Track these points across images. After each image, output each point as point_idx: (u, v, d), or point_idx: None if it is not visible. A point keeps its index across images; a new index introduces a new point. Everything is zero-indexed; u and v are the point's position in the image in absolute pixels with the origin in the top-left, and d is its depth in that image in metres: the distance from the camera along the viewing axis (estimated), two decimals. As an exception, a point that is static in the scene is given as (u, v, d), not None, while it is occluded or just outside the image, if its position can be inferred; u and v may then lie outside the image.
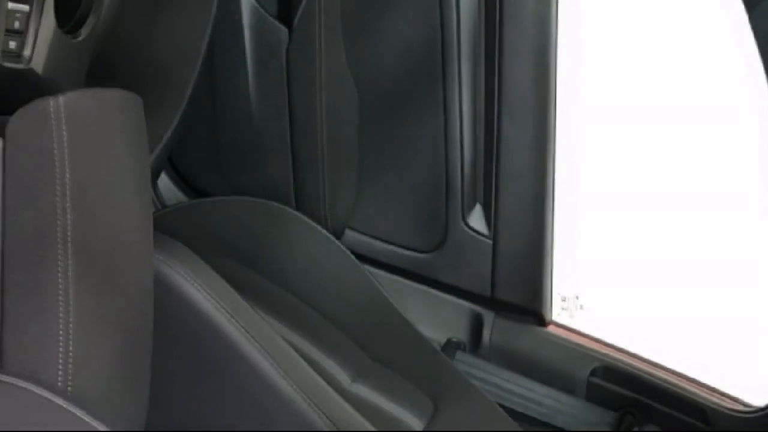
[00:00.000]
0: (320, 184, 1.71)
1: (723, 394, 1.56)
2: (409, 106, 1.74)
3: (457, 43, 1.68)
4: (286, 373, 1.19)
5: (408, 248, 1.76)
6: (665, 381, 1.58)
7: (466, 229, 1.72)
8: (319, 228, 1.64)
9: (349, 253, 1.65)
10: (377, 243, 1.77)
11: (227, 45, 1.70)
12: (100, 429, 0.94)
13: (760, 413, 1.48)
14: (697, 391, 1.56)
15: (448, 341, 1.70)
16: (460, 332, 1.72)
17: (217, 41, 1.65)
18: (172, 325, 1.20)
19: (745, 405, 1.53)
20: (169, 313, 1.19)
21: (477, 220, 1.72)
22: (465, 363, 1.66)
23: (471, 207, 1.72)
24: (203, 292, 1.20)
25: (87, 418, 0.95)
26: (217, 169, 1.78)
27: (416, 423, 1.41)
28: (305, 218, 1.64)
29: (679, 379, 1.59)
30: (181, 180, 1.85)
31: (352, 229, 1.77)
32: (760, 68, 1.33)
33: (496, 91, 1.67)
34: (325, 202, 1.71)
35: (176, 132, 1.57)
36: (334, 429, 1.19)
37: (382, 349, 1.56)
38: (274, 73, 1.72)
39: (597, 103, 1.94)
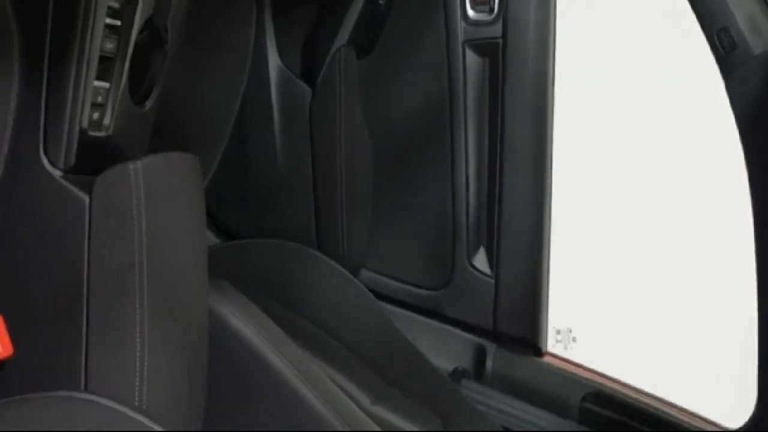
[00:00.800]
0: (339, 228, 1.91)
1: (703, 418, 1.76)
2: (420, 158, 1.95)
3: (464, 102, 1.89)
4: (324, 398, 1.39)
5: (418, 286, 1.96)
6: (650, 406, 1.77)
7: (470, 269, 1.92)
8: (340, 267, 1.84)
9: (365, 289, 1.85)
10: (390, 281, 1.97)
11: (257, 102, 1.91)
12: None
13: (728, 433, 1.68)
14: (679, 416, 1.76)
15: (455, 370, 1.90)
16: (465, 362, 1.92)
17: (247, 99, 1.86)
18: (221, 354, 1.40)
19: (722, 428, 1.73)
20: (220, 344, 1.39)
21: (481, 260, 1.92)
22: (470, 389, 1.85)
23: (476, 249, 1.92)
24: (249, 326, 1.40)
25: (157, 428, 1.14)
26: (245, 213, 1.98)
27: (429, 438, 1.61)
28: (327, 258, 1.84)
29: (663, 404, 1.78)
30: (212, 222, 2.04)
31: (367, 268, 1.97)
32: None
33: (498, 145, 1.88)
34: (344, 244, 1.91)
35: (213, 180, 1.78)
36: None
37: (396, 375, 1.75)
38: (298, 128, 1.92)
39: (591, 155, 2.16)
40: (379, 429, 1.45)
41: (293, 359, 1.41)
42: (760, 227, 1.60)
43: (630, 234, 2.16)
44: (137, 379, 1.19)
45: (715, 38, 1.61)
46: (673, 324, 2.09)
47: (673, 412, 1.77)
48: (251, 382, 1.41)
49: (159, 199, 1.24)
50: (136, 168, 1.21)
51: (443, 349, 1.91)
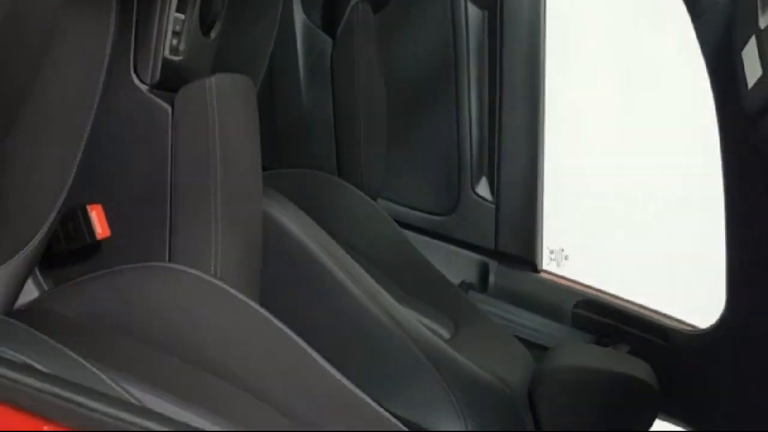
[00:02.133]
0: (358, 160, 2.19)
1: (679, 320, 2.05)
2: (428, 99, 2.23)
3: (466, 50, 2.17)
4: (364, 288, 1.68)
5: (428, 212, 2.24)
6: (633, 310, 2.06)
7: (474, 196, 2.20)
8: (361, 193, 2.12)
9: (385, 213, 2.13)
10: (403, 208, 2.25)
11: (284, 51, 2.18)
12: (239, 296, 1.40)
13: (704, 332, 1.96)
14: (659, 318, 2.04)
15: (462, 282, 2.18)
16: (471, 277, 2.20)
17: (276, 47, 2.14)
18: (272, 245, 1.67)
19: (694, 327, 2.02)
20: (270, 237, 1.67)
21: (483, 188, 2.20)
22: (475, 299, 2.14)
23: (478, 178, 2.20)
24: (295, 222, 1.68)
25: (232, 291, 1.42)
26: (274, 147, 2.24)
27: (445, 333, 1.89)
28: (350, 185, 2.12)
29: (644, 308, 2.07)
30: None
31: (383, 197, 2.25)
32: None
33: (497, 86, 2.17)
34: (362, 174, 2.19)
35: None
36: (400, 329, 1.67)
37: (413, 286, 2.03)
38: (321, 74, 2.20)
39: (578, 99, 2.45)
40: (410, 317, 1.73)
41: (335, 254, 1.69)
42: (727, 154, 1.86)
43: (614, 163, 2.45)
44: (213, 253, 1.47)
45: (686, -15, 1.88)
46: (652, 242, 2.38)
47: (654, 315, 2.06)
48: (299, 270, 1.69)
49: (227, 110, 1.51)
50: (211, 83, 1.49)
51: (451, 266, 2.19)
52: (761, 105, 1.61)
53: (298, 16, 2.19)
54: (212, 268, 1.45)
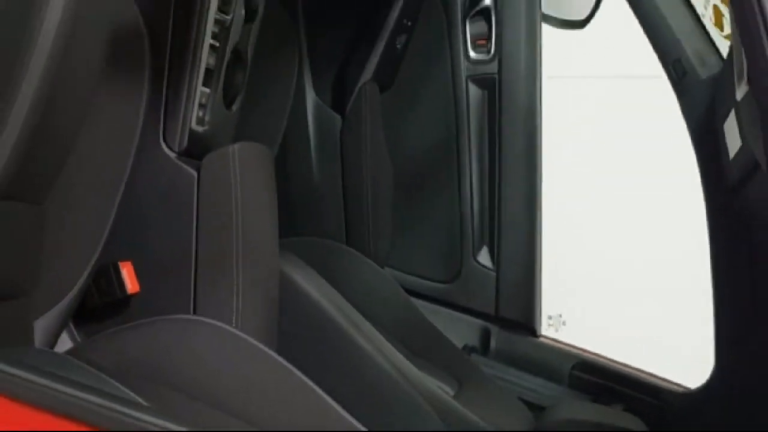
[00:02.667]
0: (366, 231, 2.32)
1: (670, 381, 2.16)
2: (432, 174, 2.37)
3: (468, 127, 2.33)
4: (374, 344, 1.79)
5: (432, 280, 2.37)
6: (627, 371, 2.17)
7: (476, 264, 2.33)
8: (369, 260, 2.25)
9: (392, 279, 2.26)
10: (409, 276, 2.37)
11: (296, 127, 2.33)
12: (258, 345, 1.51)
13: (694, 391, 2.07)
14: (651, 379, 2.15)
15: (465, 346, 2.29)
16: (474, 341, 2.32)
17: (290, 123, 2.29)
18: (287, 302, 1.79)
19: (685, 387, 2.12)
20: (286, 295, 1.79)
21: (484, 257, 2.33)
22: (478, 362, 2.25)
23: (480, 247, 2.34)
24: (310, 283, 1.81)
25: (248, 339, 1.53)
26: (287, 217, 2.37)
27: (449, 390, 2.00)
28: (359, 253, 2.25)
29: (638, 370, 2.18)
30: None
31: (390, 266, 2.38)
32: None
33: (496, 162, 2.32)
34: (371, 244, 2.32)
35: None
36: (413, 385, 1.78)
37: (419, 348, 2.15)
38: (330, 149, 2.35)
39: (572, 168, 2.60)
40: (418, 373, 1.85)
41: (347, 312, 1.81)
42: (712, 221, 1.99)
43: (608, 235, 2.59)
44: (234, 308, 1.59)
45: (671, 67, 2.04)
46: (647, 308, 2.50)
47: (647, 376, 2.17)
48: (313, 327, 1.81)
49: (249, 176, 1.65)
50: (234, 151, 1.63)
51: (455, 331, 2.30)
52: (742, 174, 1.74)
53: (310, 95, 2.35)
54: (233, 320, 1.57)
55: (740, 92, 1.65)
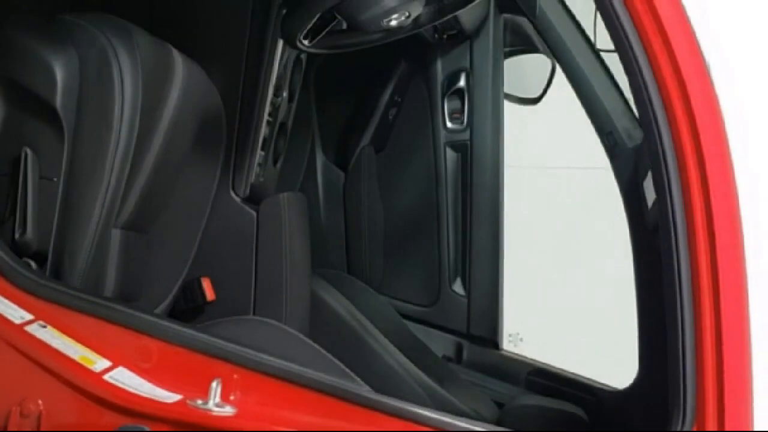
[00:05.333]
0: (363, 264, 2.97)
1: (602, 383, 2.78)
2: (416, 219, 3.02)
3: (445, 182, 2.98)
4: (388, 353, 2.42)
5: (416, 304, 3.00)
6: (570, 375, 2.81)
7: (451, 292, 2.97)
8: (367, 286, 2.88)
9: (386, 301, 2.89)
10: (397, 301, 3.01)
11: (309, 180, 2.98)
12: (300, 336, 2.12)
13: (621, 391, 2.67)
14: (589, 381, 2.78)
15: (443, 356, 2.93)
16: (450, 352, 2.95)
17: (303, 178, 2.93)
18: (317, 315, 2.42)
19: (613, 387, 2.74)
20: (316, 310, 2.42)
21: (458, 286, 2.97)
22: (453, 369, 2.88)
23: (455, 278, 2.97)
24: (337, 301, 2.44)
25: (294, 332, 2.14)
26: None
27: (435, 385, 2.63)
28: (358, 280, 2.89)
29: (578, 375, 2.82)
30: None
31: (381, 293, 3.01)
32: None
33: (468, 210, 2.96)
34: (368, 273, 2.96)
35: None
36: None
37: (409, 356, 2.77)
38: (335, 198, 2.99)
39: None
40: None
41: (361, 321, 2.44)
42: (636, 255, 2.60)
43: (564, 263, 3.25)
44: (283, 313, 2.22)
45: (605, 138, 2.68)
46: (588, 325, 3.16)
47: (585, 379, 2.80)
48: (334, 330, 2.43)
49: (294, 216, 2.29)
50: (284, 197, 2.27)
51: (434, 344, 2.93)
52: (655, 221, 2.34)
53: (319, 156, 3.00)
54: (283, 321, 2.20)
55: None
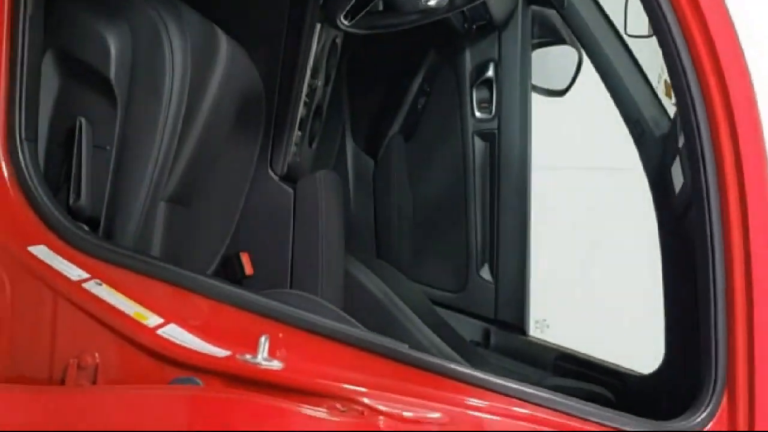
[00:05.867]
0: (392, 248, 3.05)
1: (628, 368, 2.85)
2: (445, 207, 3.10)
3: (473, 171, 3.06)
4: (416, 328, 2.50)
5: (445, 290, 3.08)
6: (597, 361, 2.88)
7: (479, 278, 3.04)
8: (399, 272, 2.96)
9: (417, 287, 2.97)
10: (425, 287, 3.09)
11: (339, 166, 3.05)
12: (332, 307, 2.21)
13: (647, 376, 2.75)
14: (614, 366, 2.85)
15: (471, 341, 3.00)
16: (478, 338, 3.02)
17: (334, 164, 3.01)
18: (351, 294, 2.50)
19: (639, 372, 2.82)
20: (350, 288, 2.50)
21: (485, 273, 3.05)
22: (481, 353, 2.96)
23: (482, 265, 3.05)
24: (370, 280, 2.52)
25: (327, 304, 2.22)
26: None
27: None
28: (387, 264, 2.97)
29: (604, 360, 2.89)
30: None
31: (413, 279, 3.08)
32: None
33: (495, 199, 3.04)
34: (396, 258, 3.04)
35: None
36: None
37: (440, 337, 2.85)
38: (364, 186, 3.08)
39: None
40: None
41: (392, 299, 2.52)
42: (663, 241, 2.66)
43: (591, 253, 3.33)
44: (318, 286, 2.29)
45: (632, 126, 2.75)
46: (615, 314, 3.24)
47: (610, 364, 2.87)
48: (366, 308, 2.51)
49: (329, 194, 2.38)
50: (320, 175, 2.36)
51: (463, 330, 3.01)
52: (684, 204, 2.41)
53: (349, 143, 3.09)
54: (318, 294, 2.28)
55: (681, 140, 2.33)
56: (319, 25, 2.29)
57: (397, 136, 3.07)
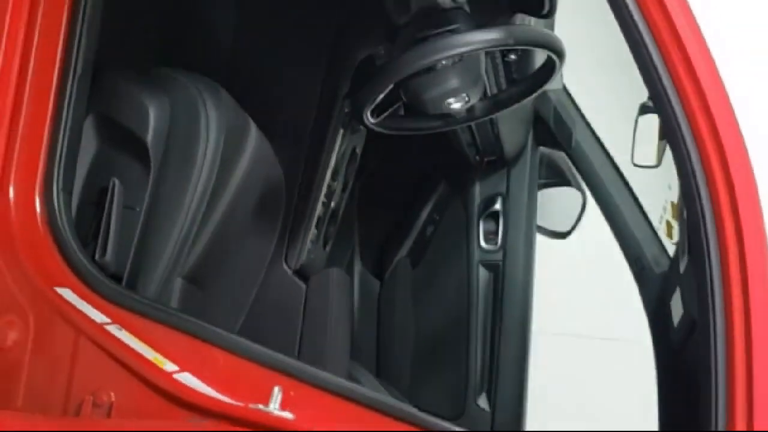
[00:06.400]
0: (393, 371, 3.09)
1: None
2: (446, 334, 3.17)
3: (477, 300, 3.14)
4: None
5: (441, 417, 3.09)
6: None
7: (476, 407, 3.08)
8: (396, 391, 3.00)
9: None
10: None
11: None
12: None
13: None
14: None
15: (465, 468, 3.01)
16: (472, 464, 3.03)
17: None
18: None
19: None
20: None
21: (483, 401, 3.09)
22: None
23: (480, 394, 3.09)
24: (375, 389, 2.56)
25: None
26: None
27: None
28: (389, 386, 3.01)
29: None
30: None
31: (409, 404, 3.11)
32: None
33: (497, 327, 3.12)
34: (395, 382, 3.08)
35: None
36: None
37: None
38: (369, 308, 3.15)
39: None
40: None
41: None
42: (660, 376, 2.73)
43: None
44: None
45: (633, 263, 2.86)
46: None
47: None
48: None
49: (340, 294, 2.45)
50: (332, 272, 2.44)
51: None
52: (684, 336, 2.48)
53: (357, 264, 3.18)
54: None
55: (683, 265, 2.41)
56: (342, 130, 2.42)
57: (404, 260, 3.16)
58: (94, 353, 1.69)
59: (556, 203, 3.39)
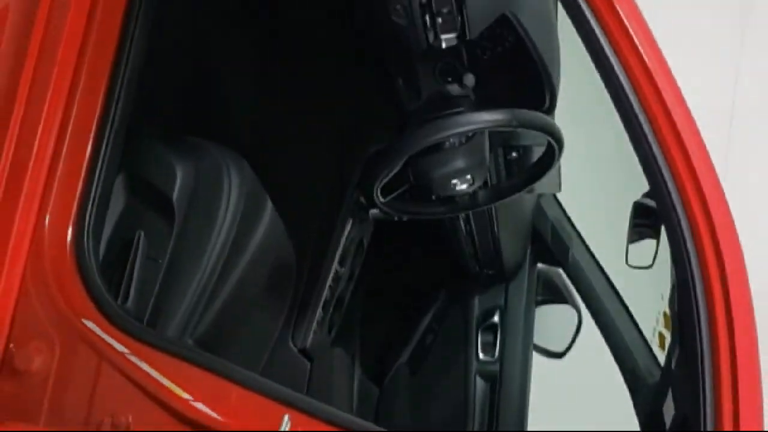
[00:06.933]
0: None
1: None
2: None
3: (473, 410, 3.22)
4: None
5: None
6: None
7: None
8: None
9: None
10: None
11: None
12: None
13: None
14: None
15: None
16: None
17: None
18: None
19: None
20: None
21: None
22: None
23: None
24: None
25: None
26: None
27: None
28: None
29: None
30: None
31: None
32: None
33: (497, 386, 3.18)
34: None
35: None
36: None
37: None
38: (367, 413, 3.22)
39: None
40: None
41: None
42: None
43: None
44: None
45: (627, 374, 2.94)
46: None
47: None
48: None
49: (344, 376, 2.56)
50: (337, 352, 2.55)
51: None
52: None
53: (357, 370, 3.28)
54: None
55: (674, 360, 2.51)
56: (351, 220, 2.58)
57: (403, 368, 3.26)
58: (114, 378, 1.79)
59: (553, 322, 3.51)
